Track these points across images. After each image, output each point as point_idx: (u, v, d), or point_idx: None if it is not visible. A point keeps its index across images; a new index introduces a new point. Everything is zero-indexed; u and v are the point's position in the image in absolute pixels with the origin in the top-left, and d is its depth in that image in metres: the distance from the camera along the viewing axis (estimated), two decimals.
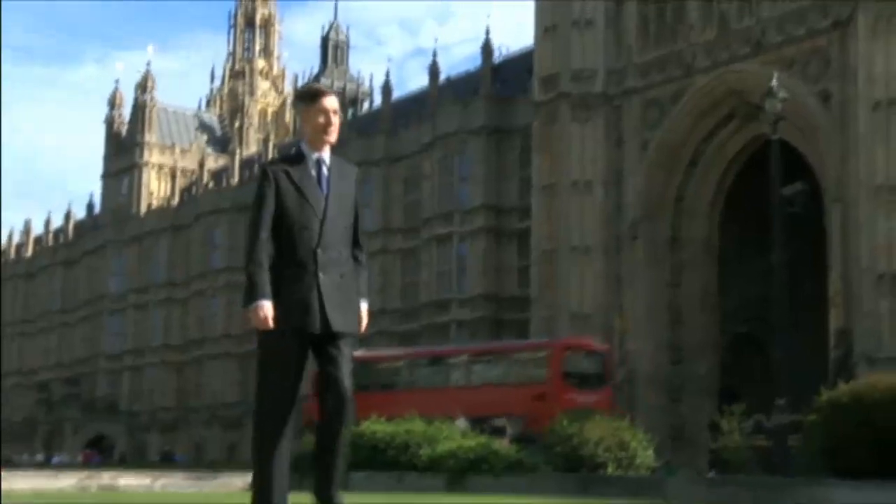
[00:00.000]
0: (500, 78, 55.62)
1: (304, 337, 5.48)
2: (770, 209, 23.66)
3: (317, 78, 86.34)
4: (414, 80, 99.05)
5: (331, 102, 5.67)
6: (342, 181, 5.70)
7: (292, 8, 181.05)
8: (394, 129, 60.26)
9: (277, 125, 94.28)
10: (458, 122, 54.35)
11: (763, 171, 26.16)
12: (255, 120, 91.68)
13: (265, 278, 5.44)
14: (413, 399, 24.62)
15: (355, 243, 5.74)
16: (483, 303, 52.05)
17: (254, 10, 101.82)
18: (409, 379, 31.57)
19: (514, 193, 52.45)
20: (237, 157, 76.30)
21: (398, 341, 53.44)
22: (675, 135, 43.48)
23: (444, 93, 57.01)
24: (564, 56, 45.17)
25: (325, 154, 5.69)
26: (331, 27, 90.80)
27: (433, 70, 60.62)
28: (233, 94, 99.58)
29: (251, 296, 5.42)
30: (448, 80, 60.68)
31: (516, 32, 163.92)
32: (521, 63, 52.95)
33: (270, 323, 5.37)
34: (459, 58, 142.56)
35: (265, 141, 76.90)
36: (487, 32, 57.13)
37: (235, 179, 73.11)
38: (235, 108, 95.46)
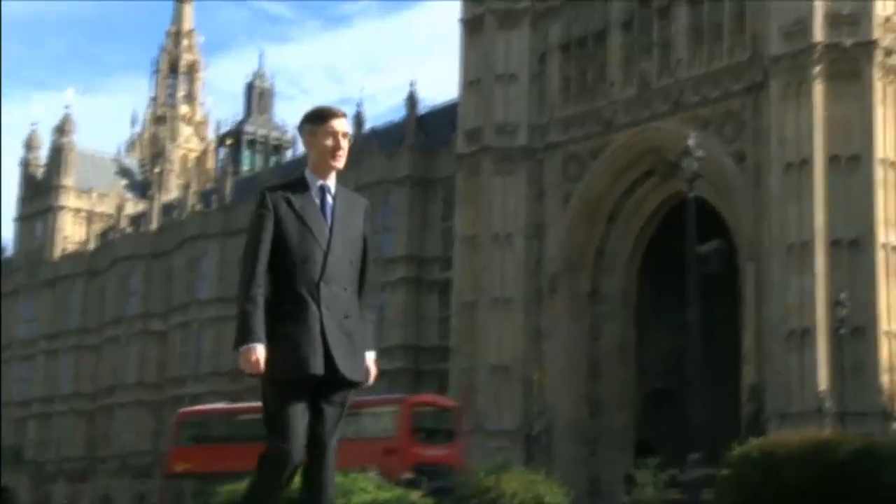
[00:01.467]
0: (424, 129, 55.95)
1: (308, 381, 4.98)
2: (687, 265, 24.07)
3: (240, 125, 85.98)
4: None
5: (340, 125, 5.27)
6: (349, 213, 5.23)
7: (218, 54, 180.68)
8: None
9: (199, 171, 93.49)
10: (381, 171, 54.48)
11: (681, 227, 26.63)
12: (177, 166, 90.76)
13: (259, 317, 4.95)
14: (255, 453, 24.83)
15: (362, 284, 5.22)
16: (403, 353, 51.87)
17: (178, 57, 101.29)
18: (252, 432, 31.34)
19: (436, 244, 52.58)
20: (156, 203, 75.38)
21: None
22: (595, 189, 44.13)
23: (369, 142, 57.13)
24: (488, 110, 45.69)
25: (331, 181, 5.25)
26: (255, 74, 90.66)
27: (358, 119, 60.76)
28: (154, 139, 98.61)
29: (243, 337, 4.95)
30: (373, 130, 60.88)
31: (442, 85, 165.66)
32: (445, 115, 53.36)
33: (262, 367, 4.92)
34: (385, 108, 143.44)
35: (186, 187, 76.12)
36: (412, 84, 57.33)
37: (154, 225, 72.17)
38: (156, 153, 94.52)
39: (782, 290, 35.85)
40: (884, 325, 34.78)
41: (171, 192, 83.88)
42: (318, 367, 4.96)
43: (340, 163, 5.25)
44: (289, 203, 5.14)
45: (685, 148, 24.56)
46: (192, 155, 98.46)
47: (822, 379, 34.43)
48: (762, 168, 37.83)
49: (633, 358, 44.28)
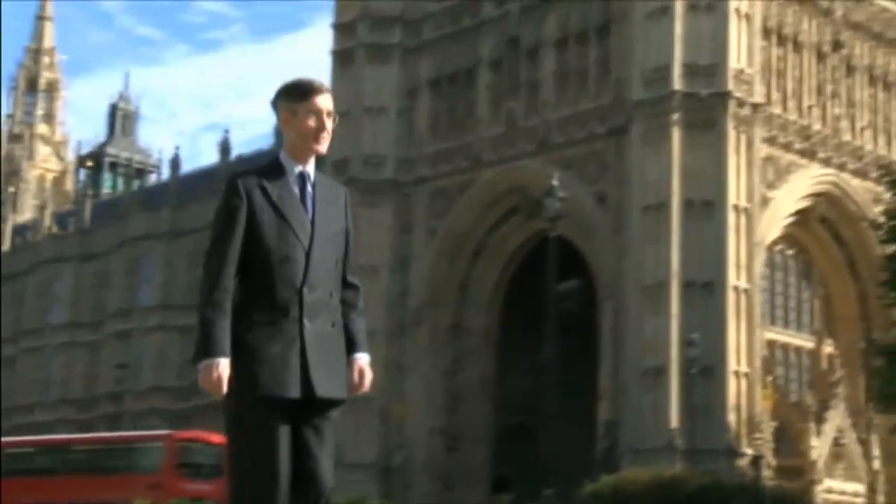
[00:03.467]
0: None
1: (282, 403, 4.23)
2: (547, 303, 24.50)
3: (103, 146, 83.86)
4: (207, 155, 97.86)
5: (325, 102, 4.53)
6: (331, 204, 4.51)
7: (83, 74, 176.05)
8: (181, 204, 59.10)
9: (56, 193, 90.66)
10: None
11: (543, 265, 27.14)
12: (32, 185, 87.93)
13: (224, 327, 4.22)
14: (41, 486, 26.83)
15: (346, 284, 4.52)
16: None
17: (38, 74, 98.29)
18: (37, 466, 31.33)
19: None
20: (9, 223, 72.75)
21: (171, 421, 51.64)
22: (461, 225, 44.58)
23: (237, 170, 56.51)
24: (356, 141, 45.77)
25: (311, 168, 4.51)
26: (120, 96, 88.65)
27: (224, 146, 60.04)
28: (9, 157, 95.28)
29: (204, 349, 4.20)
30: (240, 157, 60.18)
31: None
32: None
33: (224, 387, 4.18)
34: (253, 135, 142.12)
35: (41, 208, 73.73)
36: None
37: (6, 246, 69.57)
38: (11, 171, 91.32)
39: (638, 329, 36.81)
40: (732, 365, 36.02)
41: (25, 213, 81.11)
42: (293, 387, 4.23)
43: (324, 146, 4.53)
44: (264, 191, 4.40)
45: (549, 188, 25.08)
46: (50, 175, 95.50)
47: (674, 416, 35.41)
48: (623, 209, 38.88)
49: (493, 393, 44.69)
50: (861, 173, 42.01)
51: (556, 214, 24.84)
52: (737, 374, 36.06)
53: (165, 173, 67.69)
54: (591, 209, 39.82)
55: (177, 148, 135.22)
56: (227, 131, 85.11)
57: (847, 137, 42.31)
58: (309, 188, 4.48)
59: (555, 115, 42.09)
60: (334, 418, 4.40)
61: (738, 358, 36.20)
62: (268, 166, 4.53)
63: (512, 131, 43.15)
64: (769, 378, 37.84)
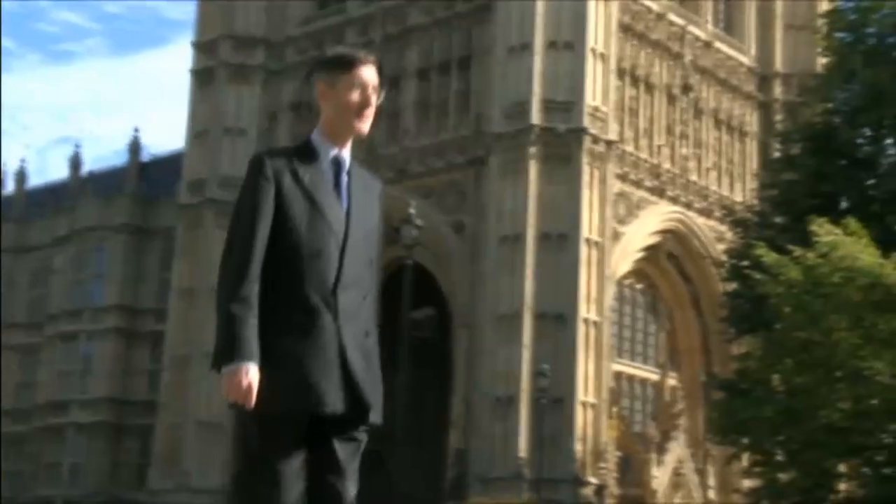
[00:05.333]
0: (147, 177, 54.42)
1: (304, 418, 3.76)
2: (400, 331, 24.59)
3: None
4: (57, 170, 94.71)
5: (371, 75, 3.99)
6: (366, 197, 4.04)
7: None
8: (26, 219, 57.09)
9: None
10: (98, 217, 52.39)
11: (399, 292, 27.22)
12: None
13: (253, 325, 3.67)
14: None
15: None
16: (106, 406, 49.67)
17: None
18: None
19: (151, 296, 51.02)
20: None
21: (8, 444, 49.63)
22: None
23: (87, 186, 54.87)
24: (214, 162, 45.14)
25: (346, 153, 4.03)
26: None
27: (75, 161, 58.32)
28: None
29: (230, 351, 3.65)
30: (91, 173, 58.51)
31: (168, 133, 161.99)
32: (169, 165, 52.16)
33: (253, 397, 3.64)
34: (107, 152, 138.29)
35: None
36: (137, 130, 55.84)
37: None
38: None
39: (492, 359, 37.26)
40: (581, 395, 36.79)
41: None
42: (336, 401, 3.73)
43: (366, 126, 4.02)
44: (294, 175, 3.87)
45: (406, 216, 25.24)
46: None
47: (523, 445, 35.91)
48: (480, 239, 39.41)
49: None
50: (706, 212, 43.68)
51: (413, 242, 25.01)
52: (584, 404, 36.83)
53: (10, 186, 65.12)
54: (448, 238, 40.23)
55: (22, 160, 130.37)
56: (77, 146, 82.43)
57: (694, 177, 43.97)
58: (344, 176, 4.00)
59: (415, 143, 42.44)
60: (363, 442, 3.97)
61: (586, 389, 36.99)
62: (298, 147, 4.00)
63: (372, 158, 43.20)
64: (615, 409, 38.80)
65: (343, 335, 3.78)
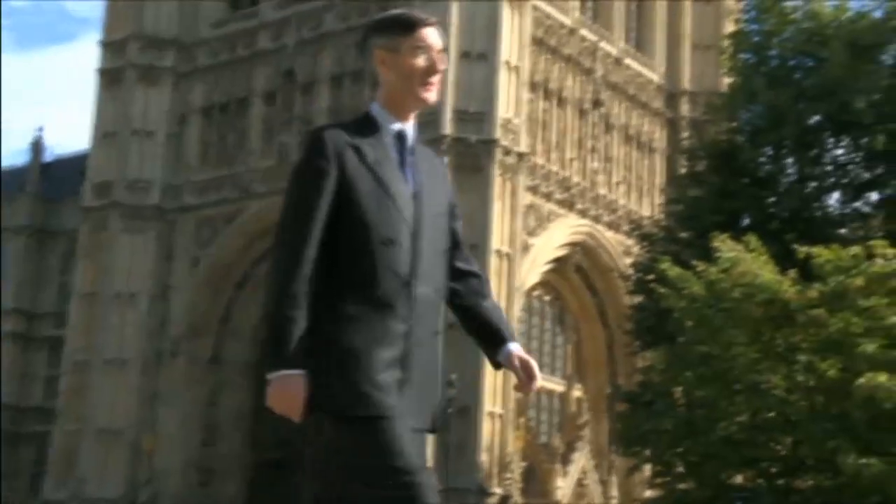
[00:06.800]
0: (49, 178, 53.19)
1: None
2: None
3: None
4: None
5: (435, 38, 3.57)
6: (433, 176, 3.63)
7: None
8: None
9: None
10: None
11: None
12: None
13: (302, 328, 3.30)
14: None
15: (464, 273, 3.72)
16: (1, 413, 48.31)
17: None
18: None
19: (50, 299, 49.84)
20: None
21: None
22: (226, 255, 43.84)
23: None
24: (121, 164, 44.31)
25: (410, 127, 3.61)
26: None
27: None
28: None
29: (278, 357, 3.30)
30: None
31: (73, 133, 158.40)
32: (73, 165, 51.08)
33: (300, 408, 3.30)
34: (8, 151, 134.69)
35: None
36: (40, 129, 54.68)
37: None
38: None
39: None
40: (488, 406, 36.93)
41: None
42: (391, 408, 3.35)
43: (433, 95, 3.58)
44: (358, 152, 3.46)
45: None
46: None
47: (428, 455, 35.82)
48: None
49: (250, 427, 43.96)
50: (614, 226, 44.30)
51: None
52: (491, 415, 36.99)
53: None
54: None
55: None
56: None
57: (603, 191, 44.58)
58: (408, 153, 3.57)
59: None
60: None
61: (493, 399, 37.15)
62: (357, 121, 3.57)
63: (283, 164, 42.94)
64: (521, 419, 39.05)
65: (412, 334, 3.44)
